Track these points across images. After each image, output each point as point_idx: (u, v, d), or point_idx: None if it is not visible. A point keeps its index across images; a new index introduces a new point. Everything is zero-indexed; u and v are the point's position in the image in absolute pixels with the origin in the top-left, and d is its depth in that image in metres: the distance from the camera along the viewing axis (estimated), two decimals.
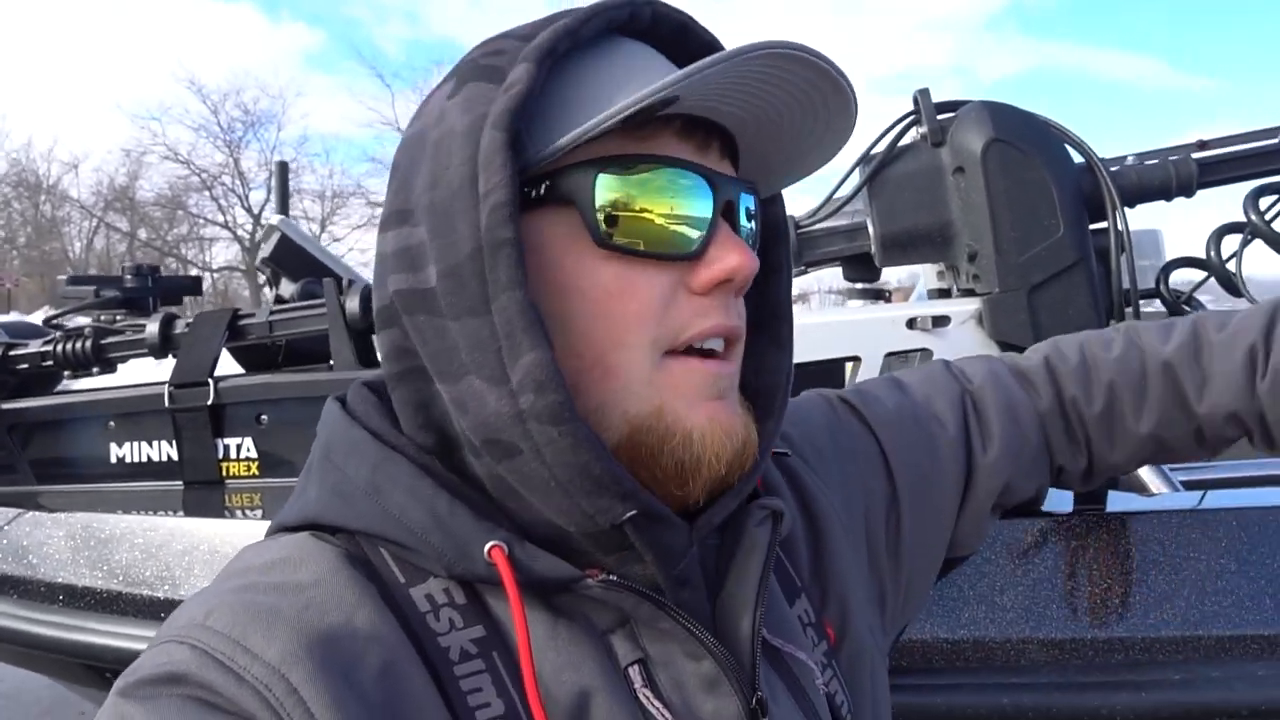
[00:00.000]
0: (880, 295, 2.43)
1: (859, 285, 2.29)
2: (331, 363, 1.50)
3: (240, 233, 24.39)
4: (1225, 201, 1.34)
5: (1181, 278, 1.33)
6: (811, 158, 0.53)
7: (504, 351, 0.42)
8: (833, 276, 1.94)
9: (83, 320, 1.74)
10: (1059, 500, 1.07)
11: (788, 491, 0.61)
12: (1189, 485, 1.21)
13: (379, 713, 0.41)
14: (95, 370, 1.63)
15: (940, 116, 1.29)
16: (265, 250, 1.77)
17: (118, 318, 1.69)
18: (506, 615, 0.45)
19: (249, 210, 24.36)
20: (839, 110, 0.49)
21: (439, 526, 0.45)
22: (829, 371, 1.35)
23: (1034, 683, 0.98)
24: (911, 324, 1.31)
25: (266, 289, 1.98)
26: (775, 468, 0.62)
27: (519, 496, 0.46)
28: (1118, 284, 1.22)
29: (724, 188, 0.48)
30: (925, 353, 1.31)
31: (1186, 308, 1.30)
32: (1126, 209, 1.27)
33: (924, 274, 1.63)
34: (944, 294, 1.46)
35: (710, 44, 0.51)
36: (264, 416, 1.45)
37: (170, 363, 1.56)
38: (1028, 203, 1.21)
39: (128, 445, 1.54)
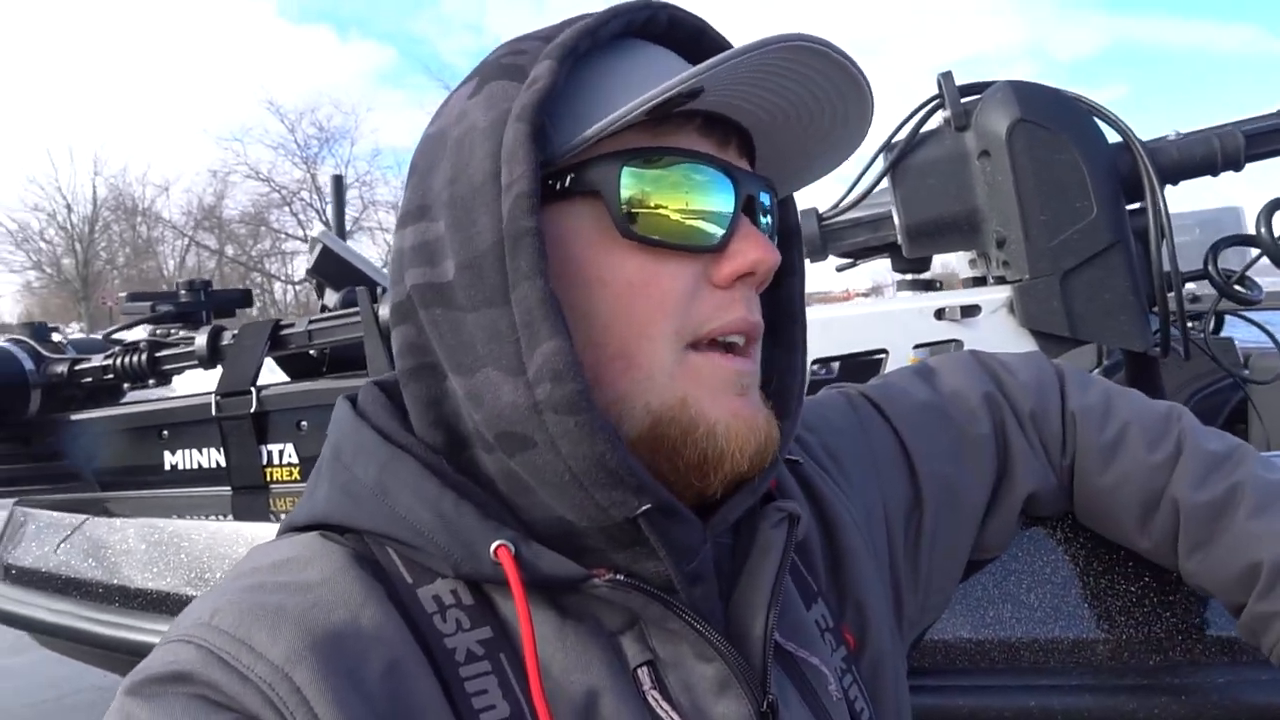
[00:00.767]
0: (931, 286, 2.36)
1: (908, 276, 2.24)
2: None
3: None
4: None
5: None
6: (827, 158, 0.54)
7: (522, 341, 0.43)
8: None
9: (141, 334, 1.83)
10: None
11: (803, 499, 0.60)
12: None
13: (383, 713, 0.42)
14: (151, 382, 1.70)
15: (964, 99, 1.25)
16: (309, 262, 1.82)
17: (172, 331, 1.76)
18: (514, 616, 0.45)
19: (325, 224, 25.17)
20: (856, 109, 0.49)
21: (445, 527, 0.46)
22: (870, 364, 1.32)
23: (1063, 685, 0.94)
24: (940, 315, 1.27)
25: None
26: (790, 475, 0.61)
27: (531, 493, 0.46)
28: (1158, 266, 1.16)
29: (745, 182, 0.48)
30: (956, 344, 1.27)
31: (1239, 288, 1.23)
32: (1170, 186, 1.21)
33: (947, 263, 1.58)
34: (978, 282, 1.41)
35: (726, 48, 0.51)
36: (304, 423, 1.49)
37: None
38: (1058, 184, 1.16)
39: (180, 453, 1.61)
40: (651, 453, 0.46)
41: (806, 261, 0.58)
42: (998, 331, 1.22)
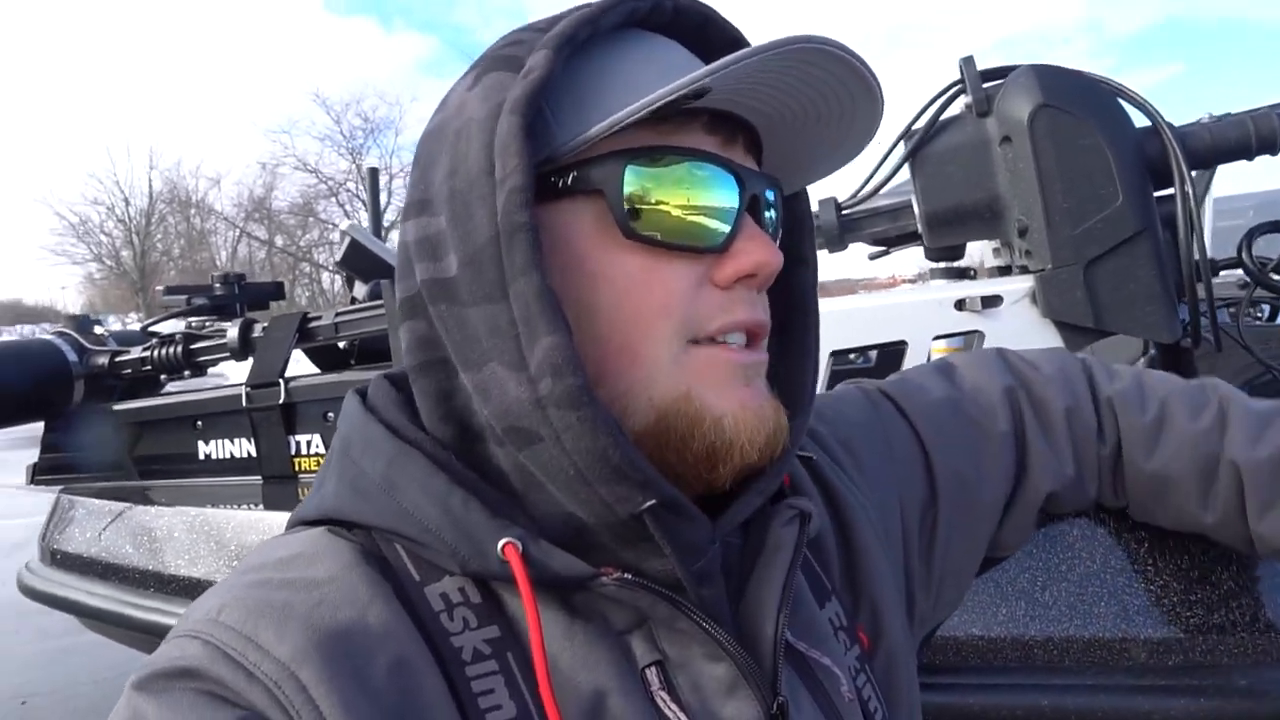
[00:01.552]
0: (964, 275, 2.31)
1: (940, 265, 2.20)
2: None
3: None
4: None
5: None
6: (835, 156, 0.53)
7: (522, 336, 0.42)
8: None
9: (177, 326, 1.87)
10: None
11: (816, 495, 0.59)
12: None
13: (388, 713, 0.41)
14: (187, 373, 1.75)
15: (986, 85, 1.22)
16: (338, 254, 1.85)
17: (206, 324, 1.81)
18: (522, 615, 0.45)
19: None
20: (865, 109, 0.48)
21: (453, 523, 0.45)
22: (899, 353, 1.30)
23: (1078, 684, 0.92)
24: (960, 305, 1.25)
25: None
26: (803, 470, 0.60)
27: (542, 488, 0.46)
28: (1187, 254, 1.12)
29: (750, 182, 0.47)
30: (977, 335, 1.24)
31: (1275, 276, 1.18)
32: (1203, 170, 1.17)
33: (981, 252, 1.55)
34: (1003, 272, 1.38)
35: (734, 38, 0.51)
36: (330, 414, 1.52)
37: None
38: (1081, 171, 1.12)
39: (214, 443, 1.65)
40: (659, 447, 0.45)
41: (825, 253, 0.57)
42: (1020, 322, 1.20)
